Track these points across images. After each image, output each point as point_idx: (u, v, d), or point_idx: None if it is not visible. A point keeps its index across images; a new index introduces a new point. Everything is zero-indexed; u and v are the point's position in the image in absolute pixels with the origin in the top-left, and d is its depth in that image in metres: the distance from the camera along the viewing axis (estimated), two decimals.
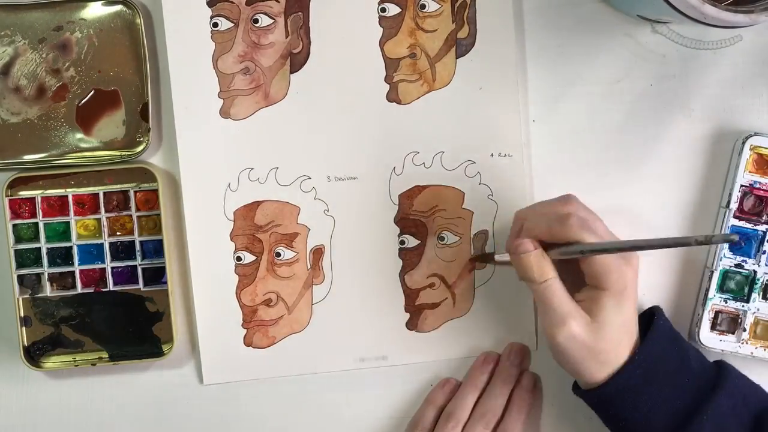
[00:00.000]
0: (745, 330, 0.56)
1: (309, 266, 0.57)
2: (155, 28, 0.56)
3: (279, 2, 0.55)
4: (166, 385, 0.57)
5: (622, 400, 0.49)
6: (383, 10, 0.56)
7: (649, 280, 0.58)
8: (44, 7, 0.55)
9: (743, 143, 0.55)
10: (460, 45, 0.56)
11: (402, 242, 0.57)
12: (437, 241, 0.57)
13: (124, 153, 0.56)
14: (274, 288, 0.57)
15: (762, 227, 0.56)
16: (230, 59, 0.56)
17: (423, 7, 0.56)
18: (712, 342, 0.56)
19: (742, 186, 0.56)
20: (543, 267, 0.49)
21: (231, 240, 0.56)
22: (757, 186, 0.56)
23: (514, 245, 0.50)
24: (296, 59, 0.56)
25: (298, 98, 0.56)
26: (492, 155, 0.56)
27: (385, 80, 0.56)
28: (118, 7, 0.55)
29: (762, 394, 0.52)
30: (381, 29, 0.56)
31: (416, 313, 0.57)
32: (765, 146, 0.55)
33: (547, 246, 0.50)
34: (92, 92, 0.56)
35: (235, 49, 0.56)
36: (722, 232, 0.45)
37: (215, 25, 0.55)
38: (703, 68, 0.57)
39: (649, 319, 0.52)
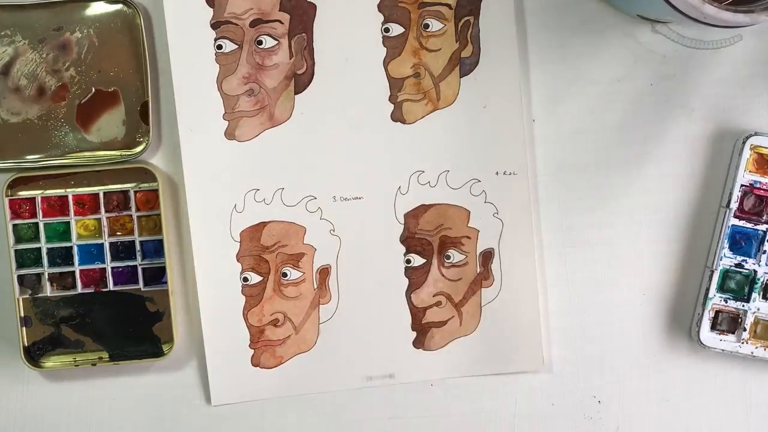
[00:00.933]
0: (745, 330, 0.56)
1: (315, 286, 0.57)
2: (155, 27, 0.56)
3: (283, 24, 0.55)
4: (167, 385, 0.57)
5: None
6: (387, 30, 0.56)
7: (650, 280, 0.58)
8: (44, 7, 0.55)
9: (743, 143, 0.55)
10: (464, 64, 0.56)
11: (408, 261, 0.57)
12: (443, 260, 0.57)
13: (124, 153, 0.56)
14: (281, 308, 0.57)
15: (762, 227, 0.56)
16: (235, 81, 0.56)
17: (426, 26, 0.56)
18: (713, 342, 0.56)
19: (742, 186, 0.56)
20: None
21: (237, 261, 0.56)
22: (758, 186, 0.56)
23: None
24: (300, 80, 0.56)
25: (303, 119, 0.56)
26: (497, 173, 0.56)
27: (389, 100, 0.56)
28: (118, 7, 0.55)
29: None
30: (385, 49, 0.56)
31: (423, 332, 0.57)
32: (765, 146, 0.55)
33: None
34: (92, 92, 0.55)
35: (240, 71, 0.56)
36: None
37: (219, 47, 0.55)
38: (703, 68, 0.57)
39: None
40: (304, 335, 0.57)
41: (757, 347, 0.56)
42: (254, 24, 0.55)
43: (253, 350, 0.57)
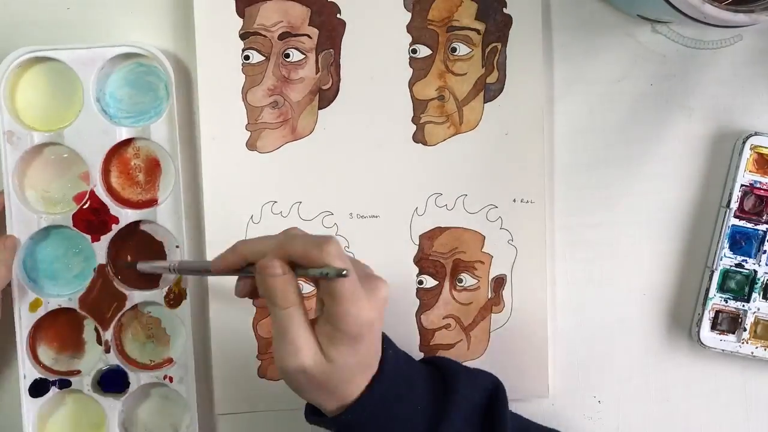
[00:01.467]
0: (745, 330, 0.56)
1: None
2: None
3: (311, 38, 0.55)
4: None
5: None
6: (414, 51, 0.56)
7: (650, 280, 0.58)
8: None
9: (744, 143, 0.55)
10: (489, 90, 0.56)
11: (420, 282, 0.57)
12: (455, 283, 0.57)
13: None
14: None
15: (762, 227, 0.56)
16: (260, 92, 0.56)
17: (454, 50, 0.56)
18: (713, 342, 0.56)
19: (742, 186, 0.56)
20: (288, 293, 0.45)
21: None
22: (758, 186, 0.56)
23: (261, 264, 0.45)
24: (325, 95, 0.56)
25: (325, 134, 0.56)
26: (514, 201, 0.56)
27: (412, 121, 0.56)
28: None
29: (489, 383, 0.51)
30: (411, 70, 0.56)
31: (430, 353, 0.57)
32: (765, 146, 0.55)
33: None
34: None
35: (265, 83, 0.56)
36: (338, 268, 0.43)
37: (246, 57, 0.55)
38: (703, 68, 0.57)
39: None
40: None
41: (757, 347, 0.56)
42: (283, 37, 0.55)
43: (260, 361, 0.57)
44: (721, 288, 0.56)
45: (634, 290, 0.58)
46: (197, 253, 0.56)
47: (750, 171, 0.56)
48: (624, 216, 0.57)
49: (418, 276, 0.57)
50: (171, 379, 0.55)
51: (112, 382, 0.56)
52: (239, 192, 0.56)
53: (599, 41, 0.57)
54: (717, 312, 0.57)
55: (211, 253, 0.55)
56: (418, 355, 0.57)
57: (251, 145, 0.56)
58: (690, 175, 0.57)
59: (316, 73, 0.56)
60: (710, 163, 0.57)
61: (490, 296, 0.57)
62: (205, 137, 0.56)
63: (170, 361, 0.56)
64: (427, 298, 0.57)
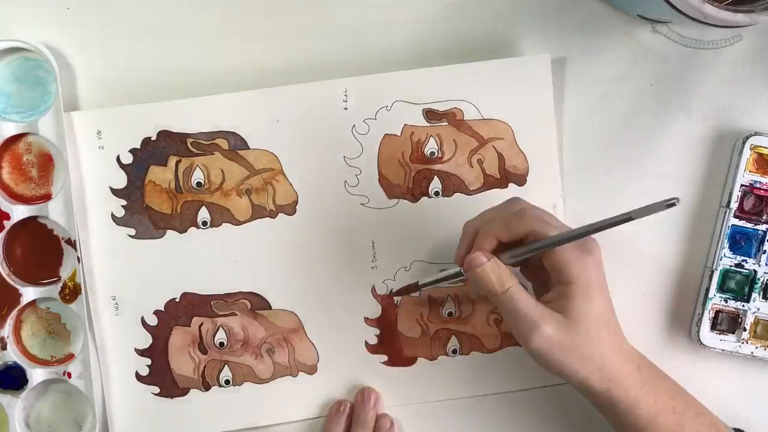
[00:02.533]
0: (745, 330, 0.56)
1: None
2: None
3: (203, 323, 0.57)
4: None
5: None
6: (204, 222, 0.57)
7: (650, 280, 0.58)
8: None
9: (743, 143, 0.55)
10: (235, 146, 0.56)
11: (436, 193, 0.57)
12: (437, 158, 0.57)
13: None
14: None
15: (762, 227, 0.56)
16: (261, 367, 0.57)
17: (200, 203, 0.56)
18: (713, 342, 0.56)
19: (742, 186, 0.56)
20: (501, 276, 0.48)
21: None
22: (758, 186, 0.56)
23: (466, 261, 0.48)
24: (258, 305, 0.57)
25: (303, 301, 0.57)
26: (345, 108, 0.56)
27: (271, 217, 0.57)
28: None
29: None
30: (222, 225, 0.56)
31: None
32: (765, 146, 0.55)
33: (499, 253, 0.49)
34: None
35: (249, 362, 0.57)
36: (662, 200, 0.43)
37: (227, 382, 0.57)
38: (703, 68, 0.57)
39: None
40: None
41: (757, 347, 0.56)
42: (204, 349, 0.57)
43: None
44: (721, 288, 0.56)
45: (633, 290, 0.58)
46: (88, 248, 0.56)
47: (750, 171, 0.56)
48: None
49: (429, 198, 0.57)
50: (69, 375, 0.55)
51: (9, 378, 0.56)
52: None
53: (599, 41, 0.57)
54: (717, 312, 0.57)
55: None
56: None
57: (311, 370, 0.57)
58: (690, 175, 0.57)
59: (237, 315, 0.57)
60: (710, 163, 0.57)
61: (446, 123, 0.56)
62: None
63: (72, 356, 0.56)
64: (452, 185, 0.57)
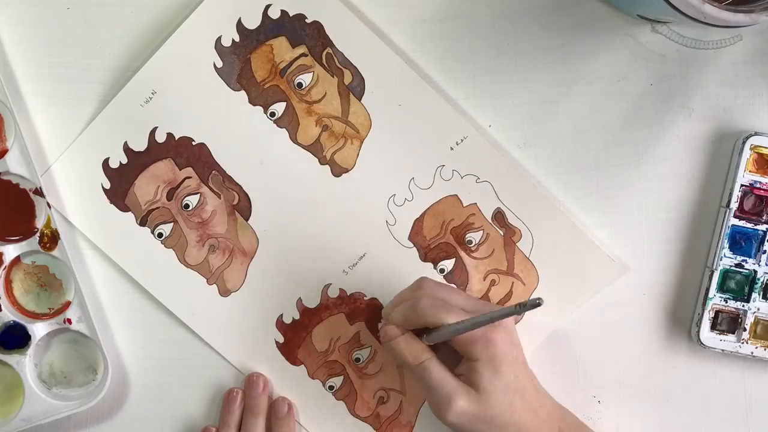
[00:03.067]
0: (745, 330, 0.56)
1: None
2: None
3: (191, 177, 0.56)
4: None
5: None
6: (272, 114, 0.56)
7: (650, 280, 0.58)
8: None
9: (743, 143, 0.55)
10: (354, 89, 0.56)
11: (441, 270, 0.57)
12: (468, 248, 0.57)
13: None
14: (379, 385, 0.58)
15: (762, 227, 0.56)
16: (193, 251, 0.56)
17: (300, 85, 0.56)
18: (713, 342, 0.56)
19: (742, 186, 0.56)
20: (415, 350, 0.50)
21: (313, 378, 0.58)
22: (758, 186, 0.56)
23: (381, 332, 0.51)
24: (241, 207, 0.57)
25: (269, 234, 0.57)
26: (452, 148, 0.57)
27: (320, 163, 0.57)
28: None
29: None
30: (283, 129, 0.56)
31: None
32: (765, 146, 0.55)
33: (419, 331, 0.51)
34: None
35: (191, 240, 0.56)
36: (531, 299, 0.48)
37: (160, 235, 0.56)
38: (703, 68, 0.57)
39: None
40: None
41: (757, 347, 0.56)
42: (170, 196, 0.56)
43: None
44: (721, 288, 0.56)
45: (633, 290, 0.58)
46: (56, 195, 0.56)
47: (750, 171, 0.56)
48: (624, 216, 0.57)
49: (435, 268, 0.57)
50: (69, 321, 0.56)
51: (12, 338, 0.56)
52: (245, 334, 0.58)
53: (599, 41, 0.57)
54: (717, 312, 0.57)
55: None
56: None
57: (224, 292, 0.57)
58: (690, 175, 0.57)
59: (220, 198, 0.56)
60: (710, 163, 0.57)
61: (503, 233, 0.57)
62: (183, 315, 0.57)
63: (68, 303, 0.56)
64: (457, 277, 0.57)
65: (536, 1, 0.56)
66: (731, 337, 0.57)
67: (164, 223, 0.56)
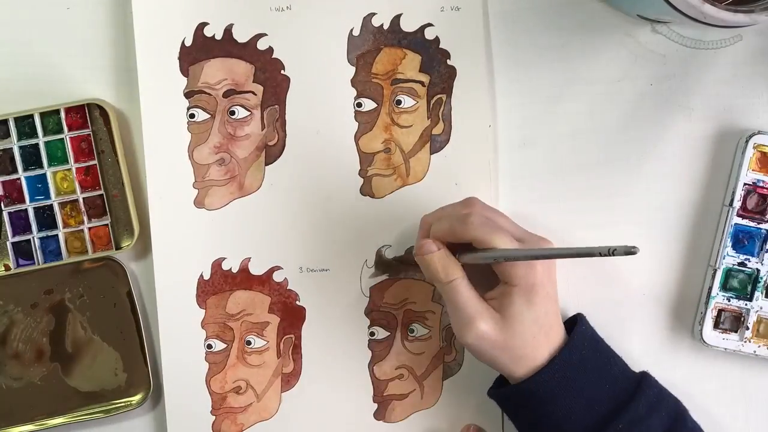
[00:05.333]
0: (747, 328, 0.56)
1: (279, 355, 0.57)
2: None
3: (256, 95, 0.56)
4: None
5: (538, 402, 0.49)
6: (359, 105, 0.56)
7: (652, 279, 0.58)
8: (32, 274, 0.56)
9: (746, 141, 0.55)
10: (435, 141, 0.56)
11: (372, 334, 0.57)
12: (407, 334, 0.57)
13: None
14: (244, 376, 0.57)
15: (765, 225, 0.56)
16: (206, 150, 0.56)
17: (399, 102, 0.56)
18: (715, 340, 0.56)
19: (745, 184, 0.55)
20: (448, 267, 0.49)
21: (202, 327, 0.57)
22: (761, 184, 0.55)
23: (417, 246, 0.50)
24: (271, 151, 0.56)
25: (273, 190, 0.56)
26: None
27: (359, 174, 0.56)
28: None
29: (679, 406, 0.52)
30: (356, 124, 0.56)
31: (384, 404, 0.57)
32: None
33: (458, 251, 0.50)
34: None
35: (211, 141, 0.56)
36: (624, 245, 0.42)
37: (192, 116, 0.56)
38: (703, 68, 0.57)
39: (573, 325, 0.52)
40: (266, 403, 0.57)
41: (759, 346, 0.56)
42: (227, 94, 0.56)
43: (214, 416, 0.57)
44: (724, 287, 0.56)
45: (635, 290, 0.58)
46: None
47: (753, 170, 0.55)
48: (624, 216, 0.57)
49: (369, 327, 0.57)
50: None
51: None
52: (188, 249, 0.56)
53: (599, 41, 0.56)
54: (719, 311, 0.56)
55: (162, 312, 0.56)
56: (371, 406, 0.57)
57: (199, 203, 0.56)
58: (690, 175, 0.57)
59: (262, 130, 0.56)
60: (710, 162, 0.57)
61: (441, 345, 0.57)
62: (152, 196, 0.56)
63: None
64: (379, 350, 0.57)
65: (536, 1, 0.56)
66: (734, 336, 0.56)
67: (203, 110, 0.56)
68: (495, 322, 0.48)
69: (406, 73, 0.56)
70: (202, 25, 0.55)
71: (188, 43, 0.55)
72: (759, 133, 0.55)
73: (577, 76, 0.57)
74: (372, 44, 0.56)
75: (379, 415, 0.57)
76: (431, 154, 0.57)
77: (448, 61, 0.56)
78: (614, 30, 0.56)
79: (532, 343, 0.49)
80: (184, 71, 0.56)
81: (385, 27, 0.56)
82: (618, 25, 0.56)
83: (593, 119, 0.57)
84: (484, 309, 0.48)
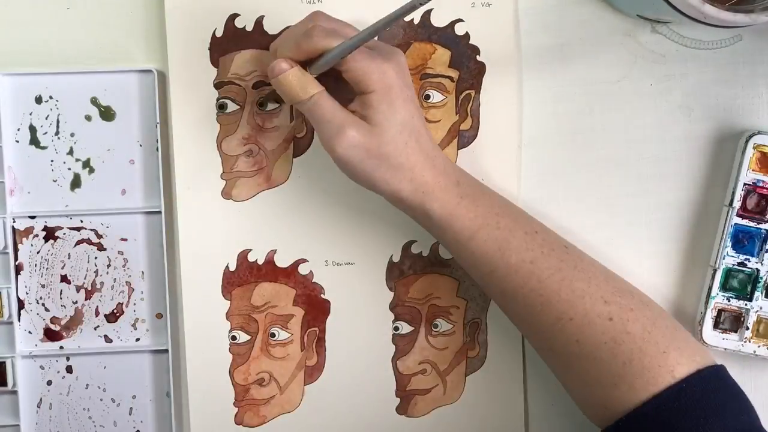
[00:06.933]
0: (747, 328, 0.56)
1: (303, 348, 0.57)
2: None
3: None
4: None
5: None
6: None
7: (651, 280, 0.57)
8: None
9: (746, 141, 0.55)
10: (463, 136, 0.56)
11: (396, 328, 0.57)
12: (431, 329, 0.57)
13: None
14: (267, 368, 0.57)
15: (765, 225, 0.56)
16: (234, 141, 0.56)
17: (428, 97, 0.56)
18: (715, 340, 0.56)
19: (745, 184, 0.55)
20: (306, 83, 0.48)
21: (227, 319, 0.57)
22: (761, 184, 0.55)
23: (269, 68, 0.48)
24: (299, 143, 0.56)
25: (300, 182, 0.56)
26: None
27: None
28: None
29: None
30: None
31: (407, 398, 0.57)
32: None
33: (305, 65, 0.49)
34: None
35: (240, 132, 0.56)
36: None
37: (221, 107, 0.56)
38: (703, 68, 0.57)
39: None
40: (289, 396, 0.57)
41: (759, 346, 0.56)
42: (257, 86, 0.56)
43: (237, 408, 0.57)
44: (724, 287, 0.56)
45: None
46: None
47: (753, 170, 0.55)
48: (624, 216, 0.57)
49: (393, 322, 0.57)
50: None
51: None
52: (215, 240, 0.56)
53: (599, 41, 0.56)
54: (719, 311, 0.56)
55: (187, 304, 0.56)
56: (394, 400, 0.57)
57: (226, 194, 0.56)
58: (690, 175, 0.57)
59: (291, 122, 0.56)
60: (710, 162, 0.57)
61: (465, 340, 0.57)
62: (180, 186, 0.56)
63: None
64: (402, 344, 0.57)
65: (536, 1, 0.56)
66: (734, 336, 0.56)
67: (232, 101, 0.56)
68: (363, 128, 0.47)
69: (436, 68, 0.56)
70: (234, 17, 0.55)
71: (219, 34, 0.55)
72: (759, 133, 0.55)
73: (577, 76, 0.56)
74: (402, 39, 0.56)
75: (401, 409, 0.57)
76: (458, 149, 0.56)
77: (477, 56, 0.56)
78: (614, 30, 0.56)
79: (405, 149, 0.48)
80: (215, 62, 0.56)
81: (416, 22, 0.56)
82: (618, 25, 0.56)
83: (593, 119, 0.57)
84: (351, 118, 0.47)
